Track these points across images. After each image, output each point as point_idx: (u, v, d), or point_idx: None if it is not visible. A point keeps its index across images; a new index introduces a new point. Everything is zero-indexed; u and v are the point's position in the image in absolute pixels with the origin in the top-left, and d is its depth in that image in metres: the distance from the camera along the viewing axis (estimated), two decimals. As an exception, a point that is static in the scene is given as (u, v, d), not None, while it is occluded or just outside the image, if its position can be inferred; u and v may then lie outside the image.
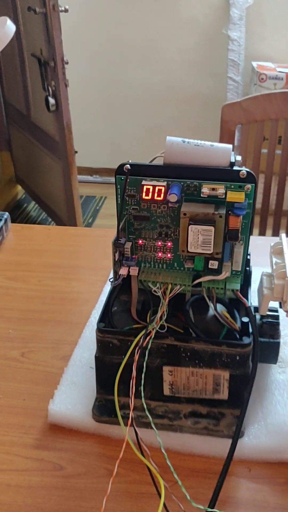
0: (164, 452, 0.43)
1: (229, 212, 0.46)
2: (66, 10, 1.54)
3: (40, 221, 2.35)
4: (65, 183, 1.86)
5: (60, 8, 1.52)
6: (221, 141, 1.24)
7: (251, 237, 0.51)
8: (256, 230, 1.31)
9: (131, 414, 0.45)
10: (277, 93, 1.20)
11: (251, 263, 0.75)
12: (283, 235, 0.54)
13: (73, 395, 0.57)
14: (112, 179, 0.49)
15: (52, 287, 0.77)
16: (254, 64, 2.16)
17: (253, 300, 0.69)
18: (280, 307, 0.51)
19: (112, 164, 2.67)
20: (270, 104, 1.21)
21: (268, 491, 0.48)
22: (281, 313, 0.57)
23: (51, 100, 1.68)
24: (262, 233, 1.31)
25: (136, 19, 2.29)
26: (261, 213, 1.30)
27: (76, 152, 1.79)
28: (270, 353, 0.54)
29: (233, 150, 0.46)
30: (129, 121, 2.53)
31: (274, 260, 0.51)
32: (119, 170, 0.47)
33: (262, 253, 0.84)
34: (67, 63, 1.62)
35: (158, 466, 0.49)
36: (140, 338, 0.48)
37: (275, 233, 1.31)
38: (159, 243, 0.50)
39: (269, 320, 0.55)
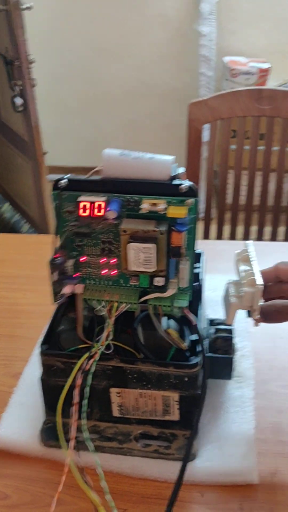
0: (103, 485, 0.41)
1: (172, 228, 0.44)
2: (29, 8, 1.49)
3: (14, 222, 2.30)
4: (36, 184, 1.82)
5: (23, 6, 1.47)
6: (189, 139, 1.21)
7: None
8: (227, 227, 1.29)
9: (71, 441, 0.43)
10: (242, 90, 1.18)
11: (211, 270, 0.73)
12: (250, 242, 0.52)
13: (21, 417, 0.54)
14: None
15: (7, 299, 0.75)
16: (226, 59, 2.14)
17: (210, 310, 0.67)
18: (249, 316, 0.49)
19: (87, 163, 2.62)
20: (237, 102, 1.19)
21: (220, 517, 0.46)
22: (239, 324, 0.55)
23: (18, 100, 1.63)
24: (233, 229, 1.30)
25: (106, 15, 2.25)
26: (231, 209, 1.28)
27: (45, 153, 1.75)
28: (224, 369, 0.52)
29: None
30: (104, 118, 2.49)
31: (242, 267, 0.49)
32: (56, 186, 0.45)
33: (225, 259, 0.83)
34: (32, 62, 1.58)
35: (108, 491, 0.47)
36: (84, 361, 0.46)
37: (246, 230, 1.30)
38: (103, 259, 0.48)
39: (223, 334, 0.53)
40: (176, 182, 0.43)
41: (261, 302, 0.47)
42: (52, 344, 0.51)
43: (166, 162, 0.43)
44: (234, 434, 0.51)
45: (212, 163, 1.25)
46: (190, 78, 2.30)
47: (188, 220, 0.44)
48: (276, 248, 0.88)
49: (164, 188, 0.43)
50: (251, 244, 0.51)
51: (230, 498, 0.47)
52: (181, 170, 0.44)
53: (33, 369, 0.60)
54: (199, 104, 1.20)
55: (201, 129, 1.21)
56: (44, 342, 0.50)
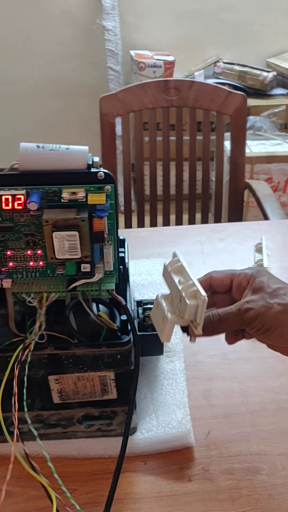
0: (51, 466, 0.43)
1: (93, 214, 0.46)
2: None
3: None
4: None
5: None
6: (102, 133, 1.24)
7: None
8: (147, 218, 1.33)
9: (15, 430, 0.44)
10: (150, 82, 1.22)
11: (135, 256, 0.76)
12: (177, 252, 0.49)
13: None
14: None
15: None
16: (132, 53, 2.18)
17: (137, 293, 0.70)
18: (184, 331, 0.47)
19: (1, 164, 2.59)
20: (145, 94, 1.23)
21: (163, 480, 0.49)
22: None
23: None
24: (153, 220, 1.34)
25: (6, 12, 2.21)
26: (150, 200, 1.32)
27: None
28: (155, 346, 0.55)
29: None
30: (15, 118, 2.45)
31: (176, 279, 0.46)
32: (-28, 182, 0.45)
33: (148, 246, 0.86)
34: None
35: (54, 471, 0.48)
36: (19, 352, 0.47)
37: (166, 219, 1.34)
38: (29, 252, 0.49)
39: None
40: (93, 170, 0.45)
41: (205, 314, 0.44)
42: (-14, 341, 0.52)
43: (82, 152, 0.45)
44: (169, 404, 0.54)
45: (128, 156, 1.27)
46: (98, 73, 2.31)
47: (108, 205, 0.46)
48: (198, 231, 0.92)
49: (82, 176, 0.45)
50: (179, 253, 0.48)
51: (171, 462, 0.50)
52: (96, 159, 0.47)
53: None
54: (110, 98, 1.22)
55: (114, 122, 1.23)
56: (-23, 339, 0.50)
